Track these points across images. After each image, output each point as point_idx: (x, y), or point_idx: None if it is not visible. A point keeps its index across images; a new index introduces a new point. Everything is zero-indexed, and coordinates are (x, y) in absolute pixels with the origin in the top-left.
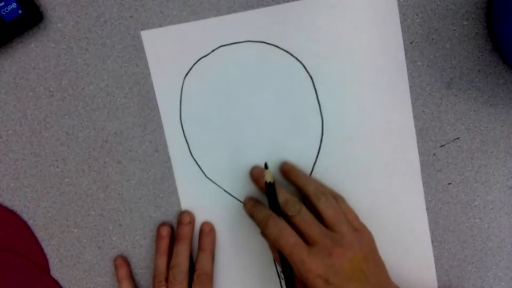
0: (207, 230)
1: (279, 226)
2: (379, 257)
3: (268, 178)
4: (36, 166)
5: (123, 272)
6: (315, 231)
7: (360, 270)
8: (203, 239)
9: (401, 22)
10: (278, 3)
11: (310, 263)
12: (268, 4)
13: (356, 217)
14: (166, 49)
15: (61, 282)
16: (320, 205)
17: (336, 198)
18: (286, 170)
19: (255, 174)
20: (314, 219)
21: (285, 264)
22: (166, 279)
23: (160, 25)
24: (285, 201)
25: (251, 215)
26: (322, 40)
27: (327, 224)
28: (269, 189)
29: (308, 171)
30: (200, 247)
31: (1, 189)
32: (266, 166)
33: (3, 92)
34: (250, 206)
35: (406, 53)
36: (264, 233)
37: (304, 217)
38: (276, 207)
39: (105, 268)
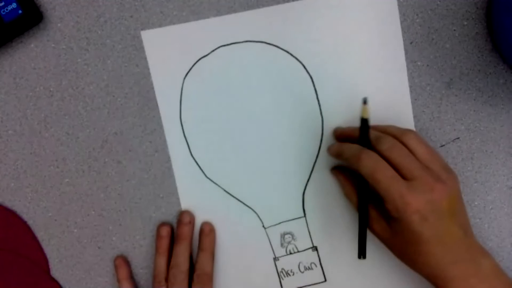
0: (207, 230)
1: (374, 158)
2: (463, 198)
3: (365, 114)
4: (36, 166)
5: (123, 272)
6: (415, 165)
7: (453, 208)
8: (203, 239)
9: (401, 22)
10: (278, 3)
11: (410, 197)
12: (268, 4)
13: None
14: (166, 49)
15: (61, 282)
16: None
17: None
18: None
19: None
20: (410, 153)
21: (362, 200)
22: (166, 279)
23: (160, 25)
24: (377, 137)
25: (339, 154)
26: (322, 40)
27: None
28: (363, 125)
29: (308, 171)
30: (200, 247)
31: (1, 189)
32: (365, 101)
33: (3, 92)
34: (336, 146)
35: (406, 53)
36: (357, 167)
37: (400, 151)
38: (367, 145)
39: (105, 268)
